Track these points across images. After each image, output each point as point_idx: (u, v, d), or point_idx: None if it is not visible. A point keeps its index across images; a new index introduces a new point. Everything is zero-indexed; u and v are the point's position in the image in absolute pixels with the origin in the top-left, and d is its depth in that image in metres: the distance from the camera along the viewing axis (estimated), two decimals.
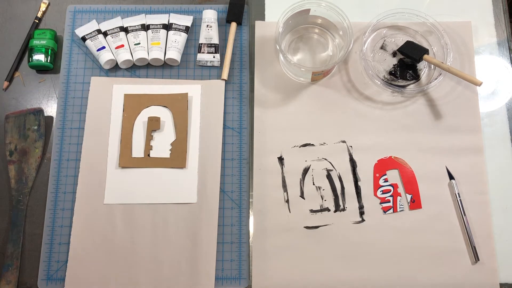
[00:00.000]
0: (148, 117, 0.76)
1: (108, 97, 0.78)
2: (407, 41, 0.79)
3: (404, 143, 0.76)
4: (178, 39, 0.79)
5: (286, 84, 0.79)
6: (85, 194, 0.73)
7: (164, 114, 0.77)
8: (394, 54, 0.80)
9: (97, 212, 0.72)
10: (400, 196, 0.74)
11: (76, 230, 0.71)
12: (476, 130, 0.77)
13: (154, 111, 0.77)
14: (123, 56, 0.77)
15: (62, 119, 0.77)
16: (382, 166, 0.75)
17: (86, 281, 0.69)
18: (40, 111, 0.77)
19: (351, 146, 0.76)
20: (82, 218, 0.72)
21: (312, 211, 0.73)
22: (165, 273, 0.70)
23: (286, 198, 0.74)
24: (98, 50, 0.78)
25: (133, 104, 0.77)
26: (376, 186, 0.74)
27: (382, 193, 0.74)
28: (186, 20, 0.81)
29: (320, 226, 0.72)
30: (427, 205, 0.73)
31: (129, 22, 0.81)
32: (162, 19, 0.81)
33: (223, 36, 0.82)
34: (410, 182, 0.74)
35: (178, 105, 0.77)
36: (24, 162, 0.75)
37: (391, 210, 0.73)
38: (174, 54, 0.78)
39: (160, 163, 0.74)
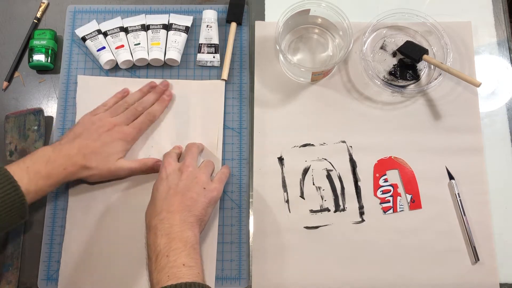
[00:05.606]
0: None
1: (108, 97, 0.77)
2: (407, 41, 0.79)
3: (404, 143, 0.76)
4: (178, 39, 0.79)
5: (286, 84, 0.79)
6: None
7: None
8: (394, 54, 0.80)
9: (92, 212, 0.72)
10: (400, 196, 0.74)
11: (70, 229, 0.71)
12: (476, 130, 0.77)
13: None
14: (123, 57, 0.77)
15: (62, 119, 0.77)
16: (382, 166, 0.75)
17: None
18: (40, 111, 0.77)
19: (351, 146, 0.76)
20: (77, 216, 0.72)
21: (312, 211, 0.73)
22: None
23: (286, 198, 0.74)
24: (98, 50, 0.78)
25: None
26: (376, 186, 0.74)
27: (382, 193, 0.74)
28: (186, 20, 0.81)
29: (320, 226, 0.72)
30: (427, 205, 0.73)
31: (129, 22, 0.81)
32: (162, 19, 0.81)
33: (223, 36, 0.82)
34: (410, 182, 0.74)
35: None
36: None
37: (391, 210, 0.73)
38: (174, 54, 0.78)
39: None
